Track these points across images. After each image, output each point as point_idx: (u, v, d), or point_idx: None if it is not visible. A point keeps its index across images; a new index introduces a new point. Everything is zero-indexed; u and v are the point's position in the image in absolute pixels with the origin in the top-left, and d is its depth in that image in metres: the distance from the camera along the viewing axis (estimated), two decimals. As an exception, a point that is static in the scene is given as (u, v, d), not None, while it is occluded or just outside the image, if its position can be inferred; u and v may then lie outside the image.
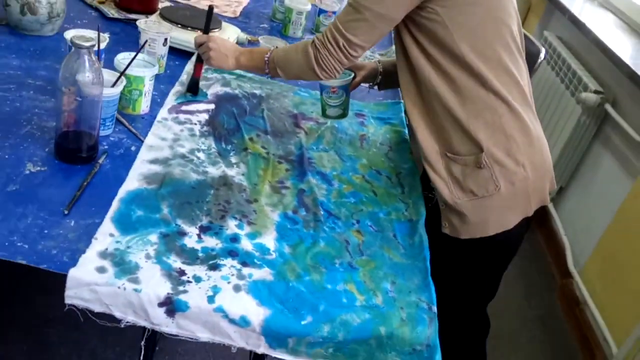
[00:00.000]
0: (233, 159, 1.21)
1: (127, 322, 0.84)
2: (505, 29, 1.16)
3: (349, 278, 0.98)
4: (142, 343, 0.87)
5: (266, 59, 1.27)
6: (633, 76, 1.94)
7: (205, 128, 1.28)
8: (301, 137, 1.37)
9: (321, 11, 2.03)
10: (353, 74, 1.39)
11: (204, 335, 0.86)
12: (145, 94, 1.25)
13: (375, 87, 1.50)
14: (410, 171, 1.35)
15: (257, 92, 1.52)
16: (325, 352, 0.88)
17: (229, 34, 1.69)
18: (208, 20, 1.40)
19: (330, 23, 1.17)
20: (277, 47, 1.31)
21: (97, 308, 0.83)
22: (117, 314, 0.84)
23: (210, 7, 1.40)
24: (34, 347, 1.57)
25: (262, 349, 0.87)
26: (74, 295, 0.82)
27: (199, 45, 1.34)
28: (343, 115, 1.43)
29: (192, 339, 0.86)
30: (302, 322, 0.87)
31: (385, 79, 1.46)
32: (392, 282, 1.00)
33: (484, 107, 1.14)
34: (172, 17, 1.60)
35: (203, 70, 1.42)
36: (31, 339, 1.58)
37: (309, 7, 1.96)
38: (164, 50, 1.44)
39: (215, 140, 1.25)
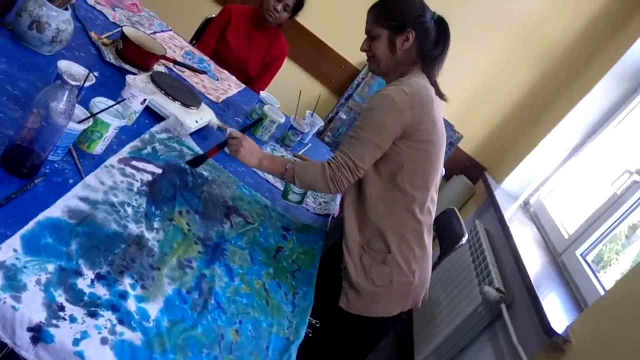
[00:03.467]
0: (156, 224, 1.30)
1: (-9, 334, 0.88)
2: (436, 174, 1.58)
3: (208, 370, 1.04)
4: (-4, 358, 0.90)
5: (287, 167, 1.54)
6: (530, 289, 2.16)
7: (144, 187, 1.38)
8: (225, 228, 1.48)
9: (292, 127, 2.23)
10: None
11: (55, 373, 0.90)
12: (104, 139, 1.35)
13: None
14: (306, 295, 1.46)
15: (206, 174, 1.64)
16: None
17: (203, 115, 1.84)
18: (253, 124, 1.77)
19: (339, 153, 1.49)
20: (296, 160, 1.60)
21: (-30, 311, 0.87)
22: (-14, 323, 0.88)
23: (260, 119, 1.88)
24: None
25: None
26: (-46, 292, 0.87)
27: (232, 137, 1.57)
28: (300, 202, 1.77)
29: (43, 372, 0.90)
30: (148, 394, 0.93)
31: None
32: (245, 388, 1.07)
33: (402, 223, 1.54)
34: (161, 82, 1.75)
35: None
36: None
37: (282, 120, 2.15)
38: (140, 108, 1.57)
39: (147, 202, 1.34)
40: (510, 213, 2.95)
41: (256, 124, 1.68)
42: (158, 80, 1.75)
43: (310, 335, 1.36)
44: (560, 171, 3.24)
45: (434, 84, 1.57)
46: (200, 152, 1.73)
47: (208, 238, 1.40)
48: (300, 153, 2.29)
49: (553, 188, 3.23)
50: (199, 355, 1.06)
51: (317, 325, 1.39)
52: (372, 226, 1.54)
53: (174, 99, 1.75)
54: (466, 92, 3.57)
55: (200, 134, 1.84)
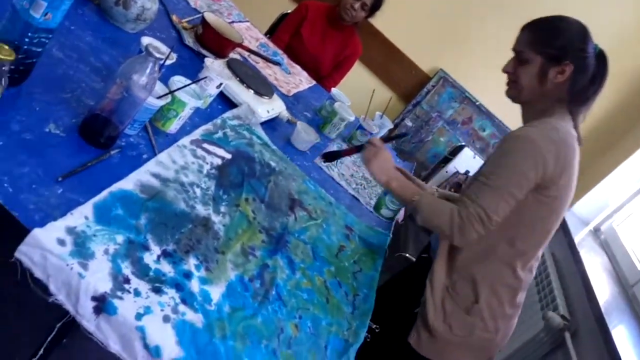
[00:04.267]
0: (222, 208, 1.27)
1: (56, 299, 0.87)
2: (553, 233, 1.38)
3: (267, 363, 1.00)
4: (59, 325, 0.88)
5: (414, 199, 1.36)
6: (600, 319, 2.01)
7: (213, 171, 1.36)
8: (290, 220, 1.44)
9: (361, 127, 2.17)
10: None
11: (115, 346, 0.88)
12: (179, 118, 1.34)
13: None
14: (366, 298, 1.40)
15: (273, 164, 1.61)
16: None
17: (275, 106, 1.81)
18: (394, 137, 1.74)
19: (469, 201, 1.26)
20: (424, 193, 1.38)
21: (39, 274, 0.86)
22: (52, 288, 0.86)
23: (405, 133, 2.09)
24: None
25: (158, 385, 0.89)
26: (25, 252, 0.86)
27: (372, 143, 1.49)
28: (391, 219, 1.69)
29: (102, 344, 0.88)
30: (205, 379, 0.89)
31: None
32: (302, 387, 1.02)
33: (498, 276, 1.36)
34: (236, 69, 1.74)
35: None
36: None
37: (352, 118, 2.10)
38: (215, 92, 1.56)
39: (216, 186, 1.32)
40: (580, 238, 2.79)
41: (359, 150, 1.53)
42: (234, 67, 1.74)
43: (369, 340, 1.30)
44: (637, 199, 3.04)
45: (576, 127, 1.35)
46: (269, 142, 1.70)
47: (272, 228, 1.36)
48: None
49: (628, 216, 3.03)
50: (257, 346, 1.02)
51: (377, 331, 1.32)
52: (465, 270, 1.36)
53: (248, 87, 1.73)
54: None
55: (270, 125, 1.81)
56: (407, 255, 2.73)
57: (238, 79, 1.71)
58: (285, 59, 2.47)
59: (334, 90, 2.24)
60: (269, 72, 2.16)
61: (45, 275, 0.86)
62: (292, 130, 1.85)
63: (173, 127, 1.35)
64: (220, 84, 1.55)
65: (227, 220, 1.25)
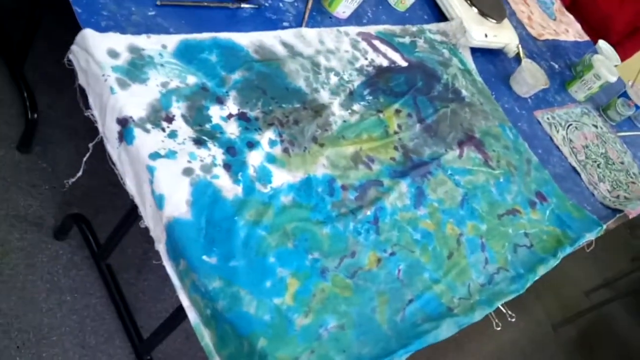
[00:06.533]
0: (356, 107, 1.03)
1: (92, 115, 0.77)
2: None
3: (302, 276, 0.75)
4: (91, 145, 0.79)
5: None
6: None
7: (370, 68, 1.12)
8: (448, 154, 1.11)
9: (624, 95, 1.63)
10: None
11: (130, 184, 0.75)
12: (351, 1, 1.13)
13: None
14: (516, 279, 1.00)
15: (465, 93, 1.28)
16: (201, 307, 0.70)
17: (499, 33, 1.45)
18: None
19: None
20: None
21: (82, 79, 0.78)
22: (90, 99, 0.78)
23: None
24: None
25: (161, 247, 0.73)
26: (75, 53, 0.78)
27: None
28: None
29: (122, 181, 0.76)
30: (203, 257, 0.70)
31: None
32: (340, 327, 0.75)
33: None
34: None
35: None
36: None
37: (613, 79, 1.58)
38: (414, -9, 1.30)
39: (363, 83, 1.08)
40: None
41: None
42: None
43: (498, 328, 0.93)
44: None
45: None
46: (474, 71, 1.36)
47: (415, 152, 1.06)
48: (621, 134, 1.69)
49: None
50: (301, 253, 0.77)
51: (512, 320, 0.94)
52: None
53: (472, 4, 1.41)
54: None
55: (486, 56, 1.46)
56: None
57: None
58: (556, 4, 2.01)
59: (601, 42, 1.72)
60: (522, 8, 1.77)
61: (85, 83, 0.78)
62: (515, 69, 1.46)
63: (341, 9, 1.15)
64: (422, -20, 1.28)
65: (354, 119, 1.01)
